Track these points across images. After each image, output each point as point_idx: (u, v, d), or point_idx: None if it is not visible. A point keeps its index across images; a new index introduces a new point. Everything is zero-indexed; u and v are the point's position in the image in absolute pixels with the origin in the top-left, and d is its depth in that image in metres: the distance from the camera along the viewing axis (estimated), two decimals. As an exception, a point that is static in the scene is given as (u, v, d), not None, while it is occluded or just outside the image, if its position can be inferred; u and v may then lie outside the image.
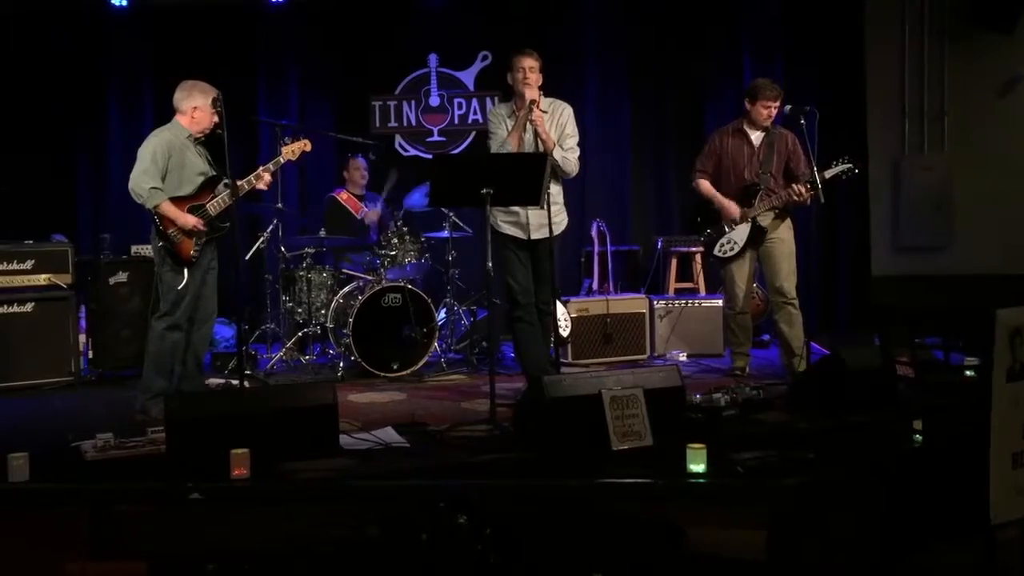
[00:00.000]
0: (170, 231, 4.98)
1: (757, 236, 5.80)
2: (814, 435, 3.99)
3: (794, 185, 5.65)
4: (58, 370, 6.12)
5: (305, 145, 5.53)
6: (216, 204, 5.08)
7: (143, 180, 4.95)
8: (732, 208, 5.80)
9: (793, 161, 5.80)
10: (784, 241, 5.81)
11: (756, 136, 5.82)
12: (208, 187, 5.13)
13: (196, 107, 5.09)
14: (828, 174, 5.60)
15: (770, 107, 5.72)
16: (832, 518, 3.44)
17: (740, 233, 5.82)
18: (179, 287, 5.02)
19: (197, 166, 5.13)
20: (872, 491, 3.51)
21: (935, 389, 4.82)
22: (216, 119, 5.08)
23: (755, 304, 5.90)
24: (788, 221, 5.84)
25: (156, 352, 5.08)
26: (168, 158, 5.01)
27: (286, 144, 5.50)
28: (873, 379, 4.42)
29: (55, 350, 6.13)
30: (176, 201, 5.01)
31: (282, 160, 5.43)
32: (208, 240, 5.12)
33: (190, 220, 4.99)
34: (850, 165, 5.64)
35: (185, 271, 5.03)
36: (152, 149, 5.00)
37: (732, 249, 5.86)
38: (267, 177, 5.28)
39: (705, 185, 5.94)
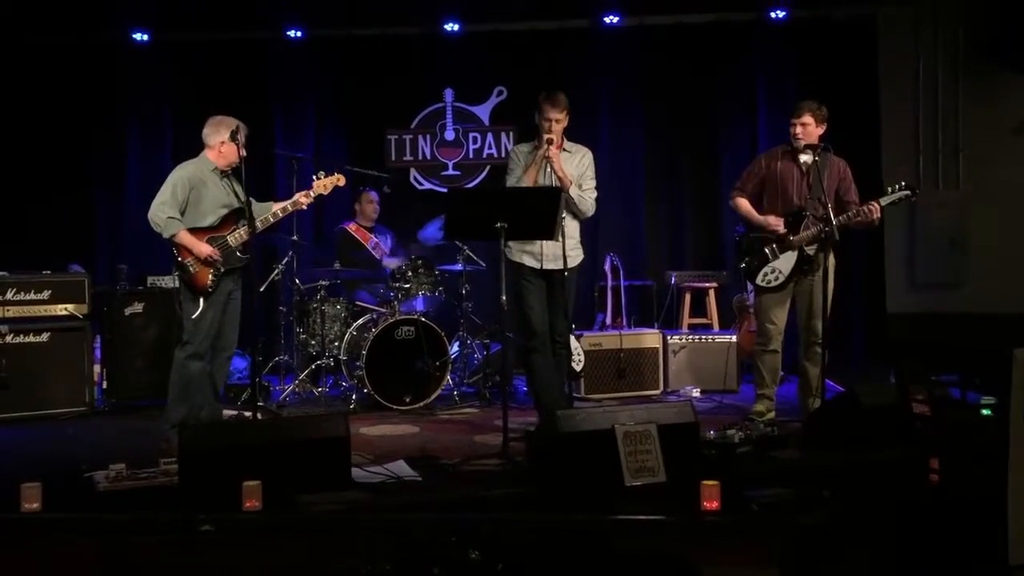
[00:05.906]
0: (187, 260, 5.05)
1: (803, 266, 5.39)
2: (829, 473, 3.96)
3: (869, 205, 5.23)
4: (72, 400, 6.14)
5: (339, 180, 5.55)
6: (236, 236, 5.15)
7: (161, 210, 5.05)
8: (773, 221, 5.42)
9: (843, 188, 5.43)
10: (829, 276, 5.29)
11: (804, 159, 5.40)
12: (231, 219, 5.20)
13: (223, 142, 5.16)
14: (884, 201, 5.25)
15: (794, 124, 5.41)
16: (847, 556, 3.40)
17: (786, 262, 5.40)
18: (194, 316, 5.07)
19: (220, 199, 5.20)
20: (887, 530, 3.47)
21: (951, 427, 4.76)
22: (244, 153, 5.14)
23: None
24: (833, 256, 5.39)
25: (177, 381, 5.12)
26: (189, 191, 5.10)
27: (319, 179, 5.47)
28: (888, 416, 4.38)
29: (70, 380, 6.15)
30: (196, 232, 5.08)
31: (313, 193, 5.41)
32: (229, 271, 5.16)
33: (205, 249, 5.05)
34: (908, 192, 5.26)
35: (201, 301, 5.08)
36: (174, 182, 5.10)
37: (777, 279, 5.43)
38: (303, 201, 5.37)
39: (743, 203, 5.58)
